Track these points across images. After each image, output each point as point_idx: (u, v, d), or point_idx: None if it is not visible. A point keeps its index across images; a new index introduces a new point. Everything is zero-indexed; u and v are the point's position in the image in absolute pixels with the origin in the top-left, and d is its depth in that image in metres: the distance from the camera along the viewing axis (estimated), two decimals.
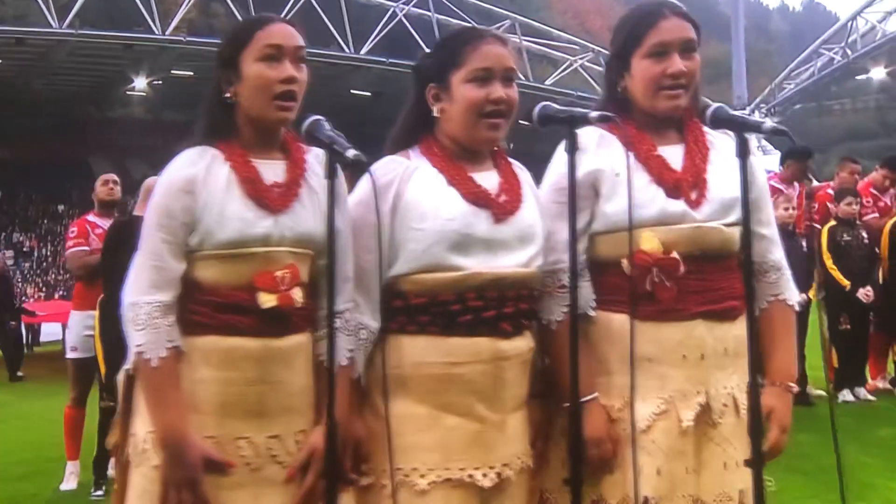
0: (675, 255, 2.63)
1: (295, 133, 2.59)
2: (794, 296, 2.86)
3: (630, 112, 2.79)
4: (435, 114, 2.71)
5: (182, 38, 37.88)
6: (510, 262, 2.63)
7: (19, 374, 17.10)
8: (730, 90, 46.99)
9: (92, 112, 48.79)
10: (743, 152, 2.41)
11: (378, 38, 42.09)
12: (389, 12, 43.79)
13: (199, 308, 2.50)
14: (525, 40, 46.82)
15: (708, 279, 2.67)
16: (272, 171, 2.59)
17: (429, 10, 43.80)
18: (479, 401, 2.57)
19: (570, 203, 2.49)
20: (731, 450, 2.63)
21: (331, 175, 2.28)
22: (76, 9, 35.84)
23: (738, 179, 2.68)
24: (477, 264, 2.58)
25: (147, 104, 48.02)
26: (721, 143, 2.79)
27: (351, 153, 2.27)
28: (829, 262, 8.60)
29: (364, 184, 2.67)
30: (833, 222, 8.97)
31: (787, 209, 8.27)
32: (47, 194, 47.67)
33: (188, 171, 2.54)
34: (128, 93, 45.14)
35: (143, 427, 2.52)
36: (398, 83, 40.10)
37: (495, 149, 2.78)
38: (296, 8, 39.29)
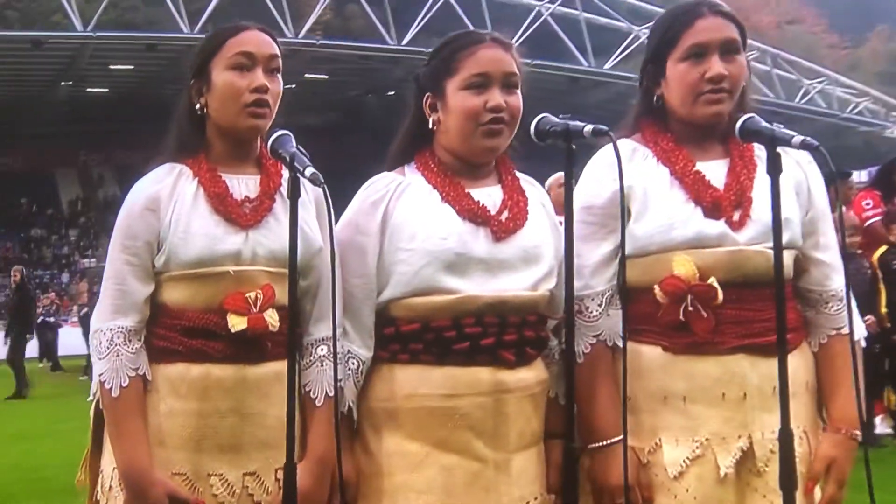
0: (712, 281, 2.52)
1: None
2: (859, 329, 2.69)
3: (668, 123, 2.69)
4: (431, 125, 2.66)
5: (315, 41, 38.69)
6: (513, 285, 2.56)
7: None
8: None
9: None
10: (774, 168, 2.28)
11: (523, 38, 42.14)
12: (534, 12, 43.78)
13: (166, 333, 2.50)
14: None
15: (751, 309, 2.55)
16: (244, 185, 2.59)
17: (576, 9, 43.57)
18: (478, 437, 2.51)
19: (566, 225, 2.41)
20: (779, 501, 2.49)
21: (293, 195, 2.25)
22: (208, 13, 37.07)
23: (790, 198, 2.60)
24: (474, 287, 2.53)
25: (280, 108, 49.06)
26: None
27: (308, 171, 2.24)
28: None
29: (353, 203, 2.65)
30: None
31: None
32: None
33: (152, 189, 2.55)
34: None
35: (109, 464, 2.52)
36: (544, 85, 40.10)
37: (501, 162, 2.72)
38: (434, 8, 39.74)
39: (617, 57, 43.27)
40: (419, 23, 39.40)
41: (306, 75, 41.07)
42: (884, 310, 8.35)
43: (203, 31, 36.98)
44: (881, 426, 8.90)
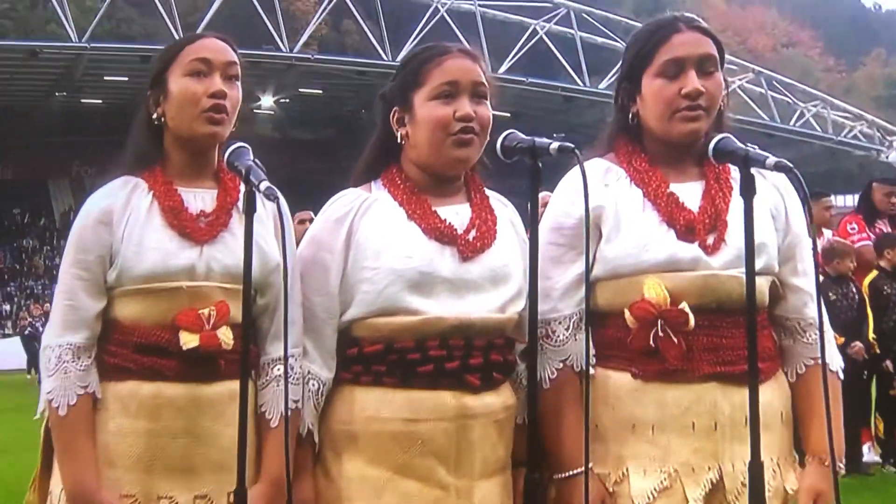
0: (684, 306, 2.45)
1: None
2: (836, 361, 2.63)
3: (643, 142, 2.63)
4: (399, 140, 2.60)
5: (310, 56, 38.76)
6: (479, 307, 2.50)
7: None
8: None
9: None
10: (747, 189, 2.22)
11: (517, 56, 42.22)
12: (530, 30, 43.88)
13: (117, 350, 2.44)
14: None
15: (724, 336, 2.48)
16: (200, 199, 2.54)
17: (571, 28, 43.66)
18: (441, 464, 2.45)
19: (530, 245, 2.34)
20: None
21: (248, 210, 2.18)
22: (203, 25, 37.08)
23: (766, 222, 2.54)
24: (439, 308, 2.47)
25: (273, 122, 49.31)
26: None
27: (263, 186, 2.17)
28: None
29: (317, 220, 2.60)
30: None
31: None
32: None
33: (105, 202, 2.50)
34: (254, 111, 46.46)
35: (58, 484, 2.46)
36: (539, 103, 40.21)
37: (470, 180, 2.66)
38: (429, 25, 39.82)
39: (612, 76, 43.31)
40: (414, 39, 39.39)
41: (301, 90, 41.26)
42: (872, 336, 8.29)
43: None
44: (869, 454, 8.80)
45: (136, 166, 2.56)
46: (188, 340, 2.40)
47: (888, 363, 8.38)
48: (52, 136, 45.69)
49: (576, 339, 2.54)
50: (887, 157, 45.17)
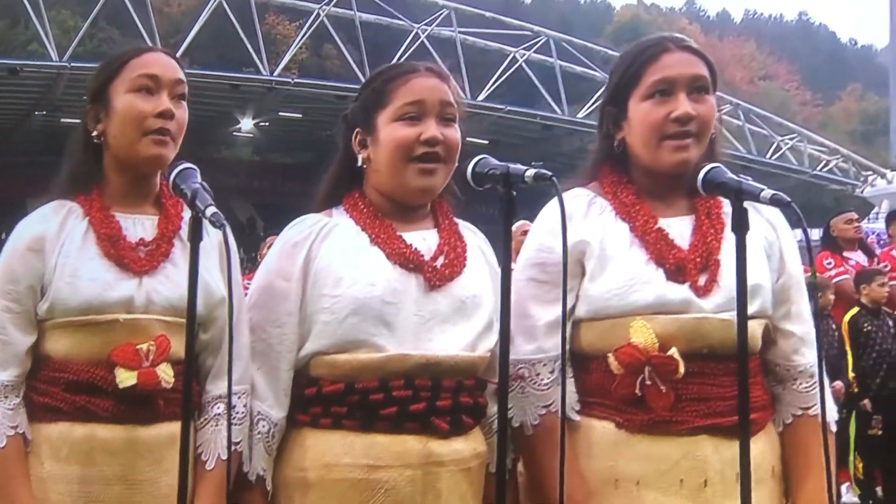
0: (673, 352, 2.25)
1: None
2: (831, 412, 2.41)
3: (629, 171, 2.43)
4: (360, 163, 2.41)
5: (290, 80, 38.61)
6: (448, 343, 2.31)
7: None
8: (888, 149, 45.62)
9: (196, 151, 50.20)
10: (740, 225, 2.02)
11: (497, 84, 42.22)
12: (509, 57, 43.89)
13: (47, 388, 2.25)
14: None
15: (716, 385, 2.29)
16: (140, 227, 2.36)
17: (551, 57, 43.70)
18: None
19: (503, 279, 2.12)
20: None
21: (194, 237, 1.98)
22: (184, 47, 36.91)
23: (761, 262, 2.35)
24: (404, 342, 2.27)
25: (253, 145, 49.16)
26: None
27: (209, 211, 1.98)
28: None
29: (274, 246, 2.41)
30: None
31: (882, 284, 7.88)
32: None
33: (37, 228, 2.32)
34: (234, 133, 46.23)
35: None
36: (518, 131, 40.14)
37: (438, 205, 2.48)
38: (410, 51, 39.75)
39: (591, 106, 43.36)
40: None
41: (281, 113, 41.03)
42: (851, 374, 8.12)
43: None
44: (847, 494, 8.64)
45: (71, 189, 2.38)
46: (125, 378, 2.21)
47: (866, 402, 8.21)
48: (31, 156, 45.35)
49: (559, 384, 2.33)
50: (862, 192, 45.29)
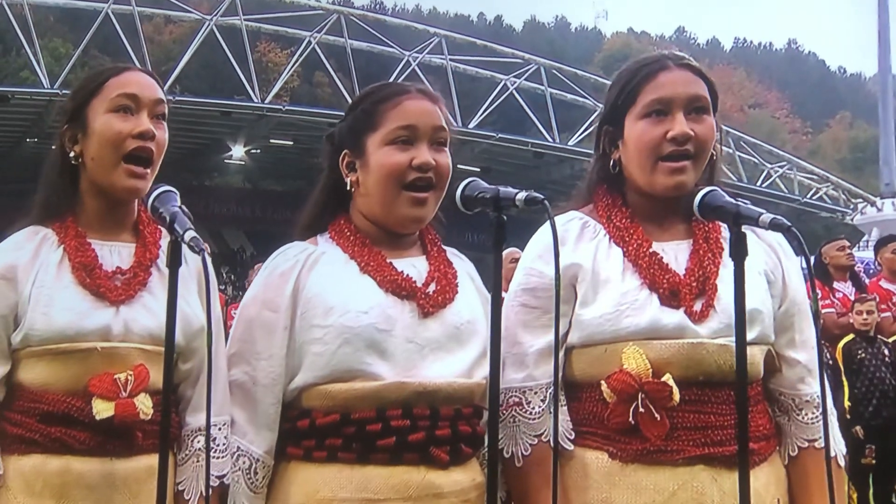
0: (667, 378, 2.17)
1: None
2: (838, 444, 2.34)
3: (625, 193, 2.36)
4: (348, 187, 2.34)
5: (281, 107, 38.61)
6: (445, 370, 2.24)
7: None
8: (877, 177, 45.67)
9: (188, 179, 50.19)
10: (738, 250, 1.96)
11: (488, 111, 42.23)
12: (500, 85, 43.94)
13: (21, 419, 2.17)
14: None
15: (712, 413, 2.21)
16: (117, 254, 2.29)
17: (541, 84, 43.77)
18: None
19: (493, 305, 2.06)
20: None
21: (172, 263, 1.91)
22: (175, 74, 36.93)
23: (760, 287, 2.28)
24: (400, 371, 2.20)
25: (245, 173, 49.07)
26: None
27: (188, 236, 1.91)
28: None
29: (259, 276, 2.34)
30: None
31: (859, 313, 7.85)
32: None
33: (10, 256, 2.24)
34: (225, 161, 46.17)
35: None
36: (508, 158, 40.14)
37: (425, 232, 2.41)
38: (400, 79, 39.77)
39: (582, 133, 43.38)
40: None
41: (272, 141, 40.99)
42: (847, 403, 8.03)
43: (170, 93, 36.91)
44: None
45: (45, 215, 2.31)
46: (102, 409, 2.13)
47: (858, 429, 8.11)
48: (21, 183, 45.25)
49: (552, 412, 2.26)
50: (852, 220, 45.31)
